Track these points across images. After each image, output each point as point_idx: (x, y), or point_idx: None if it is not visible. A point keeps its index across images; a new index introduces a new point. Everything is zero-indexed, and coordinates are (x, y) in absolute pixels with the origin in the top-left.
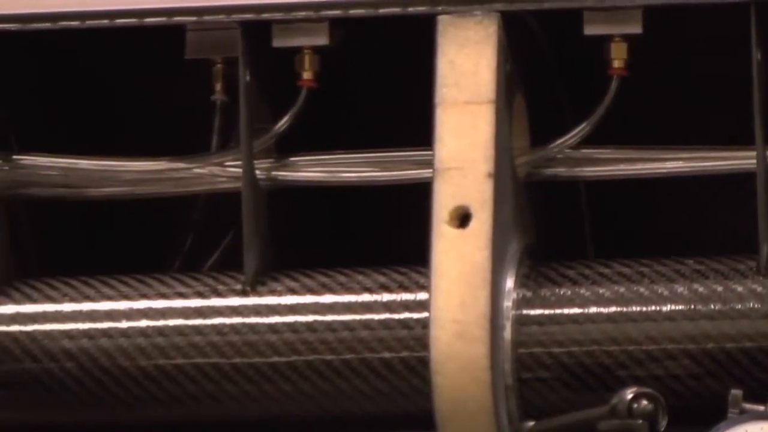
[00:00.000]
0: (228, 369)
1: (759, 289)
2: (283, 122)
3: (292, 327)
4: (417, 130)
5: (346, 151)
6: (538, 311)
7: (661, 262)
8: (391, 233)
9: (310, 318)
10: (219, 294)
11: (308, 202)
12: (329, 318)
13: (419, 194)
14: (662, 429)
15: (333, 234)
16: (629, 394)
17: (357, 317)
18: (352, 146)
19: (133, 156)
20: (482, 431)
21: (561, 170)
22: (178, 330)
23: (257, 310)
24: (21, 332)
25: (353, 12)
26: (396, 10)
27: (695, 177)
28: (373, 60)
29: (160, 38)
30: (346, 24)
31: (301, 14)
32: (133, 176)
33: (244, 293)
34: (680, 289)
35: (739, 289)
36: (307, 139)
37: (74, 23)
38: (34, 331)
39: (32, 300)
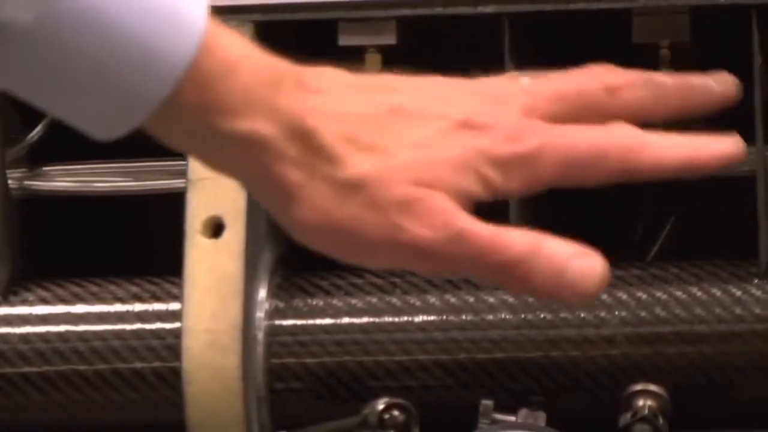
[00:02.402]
0: None
1: (510, 299)
2: (36, 132)
3: (43, 337)
4: None
5: (98, 160)
6: (291, 321)
7: (413, 272)
8: (145, 243)
9: (62, 328)
10: None
11: (62, 211)
12: (81, 328)
13: (173, 204)
14: None
15: (86, 244)
16: (381, 405)
17: (109, 327)
18: (106, 156)
19: None
20: None
21: None
22: None
23: (8, 320)
24: None
25: None
26: None
27: None
28: None
29: None
30: None
31: None
32: None
33: None
34: (432, 299)
35: (491, 299)
36: (62, 149)
37: None
38: None
39: None
